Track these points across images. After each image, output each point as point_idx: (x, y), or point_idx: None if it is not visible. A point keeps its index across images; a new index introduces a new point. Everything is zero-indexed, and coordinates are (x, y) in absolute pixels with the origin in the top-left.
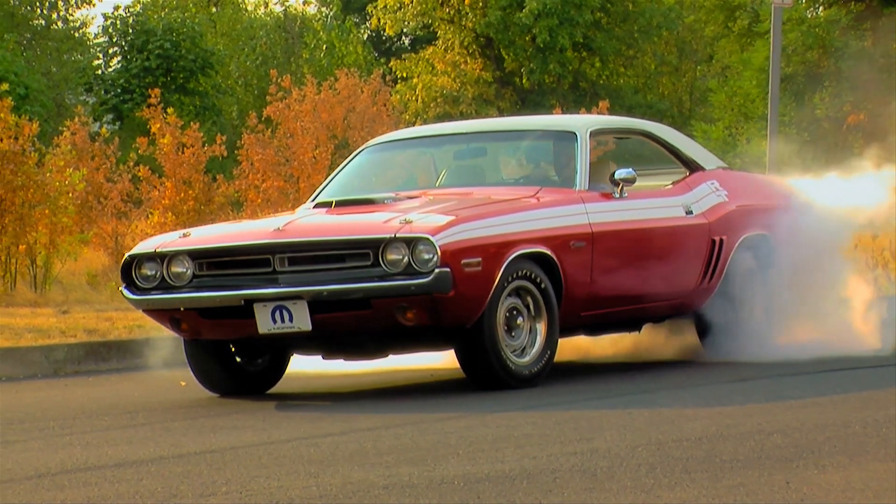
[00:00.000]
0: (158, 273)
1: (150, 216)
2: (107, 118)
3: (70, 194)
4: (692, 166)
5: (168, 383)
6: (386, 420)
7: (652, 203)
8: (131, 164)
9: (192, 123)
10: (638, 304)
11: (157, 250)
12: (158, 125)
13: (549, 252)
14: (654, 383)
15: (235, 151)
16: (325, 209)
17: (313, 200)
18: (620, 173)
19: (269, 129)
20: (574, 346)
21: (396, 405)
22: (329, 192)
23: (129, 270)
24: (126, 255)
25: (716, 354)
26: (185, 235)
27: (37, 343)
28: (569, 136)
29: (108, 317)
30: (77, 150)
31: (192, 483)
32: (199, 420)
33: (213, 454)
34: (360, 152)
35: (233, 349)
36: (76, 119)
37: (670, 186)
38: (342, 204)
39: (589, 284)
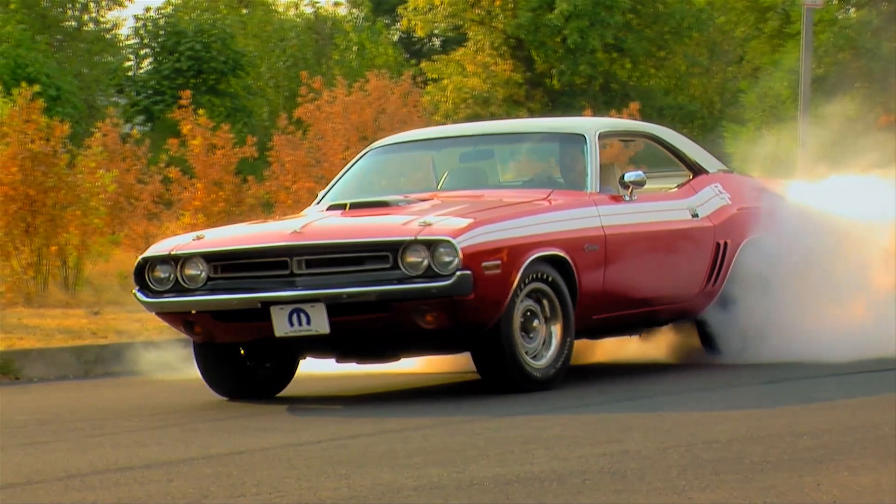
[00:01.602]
0: (172, 276)
1: (180, 217)
2: (138, 119)
3: (101, 196)
4: (695, 169)
5: (197, 385)
6: (415, 421)
7: (660, 206)
8: (162, 165)
9: (222, 125)
10: (647, 307)
11: (172, 253)
12: (189, 126)
13: (564, 255)
14: (682, 385)
15: (266, 153)
16: (339, 211)
17: (318, 203)
18: (630, 176)
19: (300, 131)
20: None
21: (424, 407)
22: (335, 194)
23: (143, 273)
24: (139, 257)
25: (717, 357)
26: (198, 238)
27: (67, 344)
28: (577, 139)
29: (138, 318)
30: (108, 152)
31: (221, 484)
32: (228, 421)
33: (243, 455)
34: (364, 154)
35: (242, 352)
36: (107, 120)
37: (675, 189)
38: (356, 206)
39: (601, 287)
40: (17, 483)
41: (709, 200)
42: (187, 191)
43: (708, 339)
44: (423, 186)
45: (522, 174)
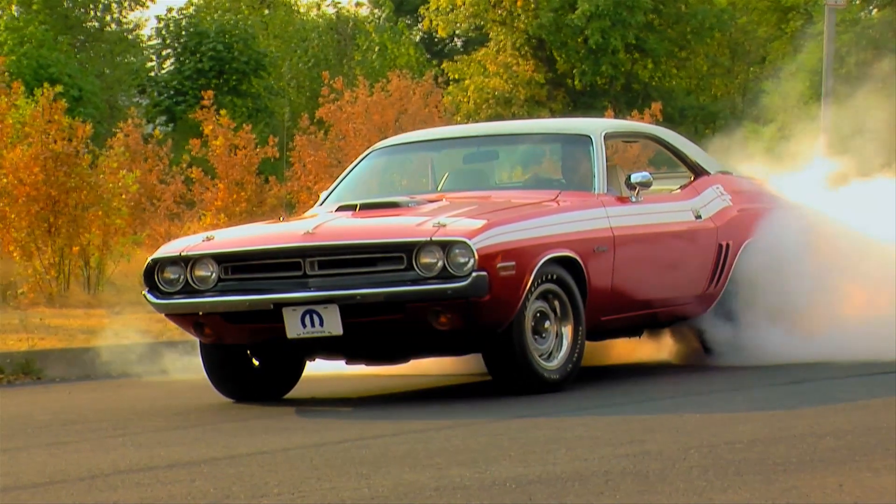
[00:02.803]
0: (182, 277)
1: (202, 218)
2: (160, 120)
3: (123, 196)
4: (696, 170)
5: None
6: (437, 422)
7: (665, 207)
8: (184, 165)
9: (244, 125)
10: (652, 308)
11: (182, 254)
12: (211, 127)
13: (576, 256)
14: (703, 386)
15: (287, 153)
16: (349, 212)
17: (322, 204)
18: (636, 177)
19: (321, 131)
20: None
21: (446, 408)
22: (338, 195)
23: (152, 274)
24: (149, 258)
25: (718, 359)
26: (208, 239)
27: (89, 344)
28: (583, 140)
29: (160, 318)
30: (130, 152)
31: (244, 484)
32: (250, 421)
33: (265, 455)
34: (366, 155)
35: (249, 353)
36: (129, 121)
37: (678, 191)
38: (367, 207)
39: (610, 289)
40: (41, 483)
41: (711, 202)
42: (209, 191)
43: (707, 341)
44: (429, 188)
45: (529, 175)
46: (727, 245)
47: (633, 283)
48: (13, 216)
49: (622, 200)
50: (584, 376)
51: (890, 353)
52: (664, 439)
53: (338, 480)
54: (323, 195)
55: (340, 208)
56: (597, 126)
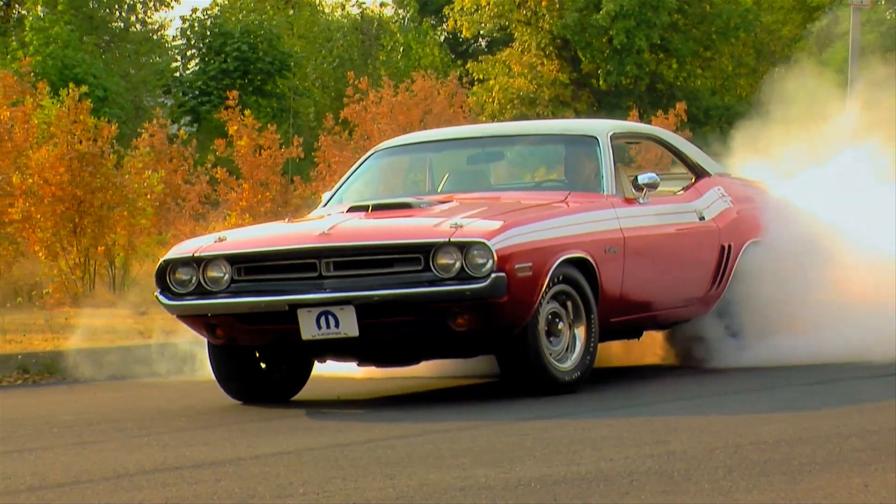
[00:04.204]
0: (194, 278)
1: (227, 218)
2: (184, 120)
3: (148, 196)
4: (697, 171)
5: None
6: (461, 422)
7: (670, 209)
8: (209, 165)
9: (269, 125)
10: (658, 309)
11: (194, 255)
12: (236, 127)
13: (589, 257)
14: (728, 386)
15: (312, 153)
16: (361, 213)
17: (325, 205)
18: (644, 178)
19: (346, 131)
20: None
21: (470, 408)
22: (341, 196)
23: (164, 275)
24: (161, 259)
25: (717, 361)
26: (220, 240)
27: (115, 344)
28: (590, 141)
29: None
30: (155, 152)
31: (269, 484)
32: (274, 421)
33: (290, 455)
34: (369, 156)
35: (257, 355)
36: (154, 121)
37: (682, 192)
38: (379, 208)
39: (620, 290)
40: (66, 483)
41: (713, 203)
42: (234, 191)
43: (706, 343)
44: (435, 189)
45: (532, 176)
46: (729, 247)
47: (641, 284)
48: (39, 216)
49: (629, 202)
50: (601, 377)
51: (891, 353)
52: (689, 439)
53: (362, 480)
54: (325, 196)
55: (352, 209)
56: (603, 127)
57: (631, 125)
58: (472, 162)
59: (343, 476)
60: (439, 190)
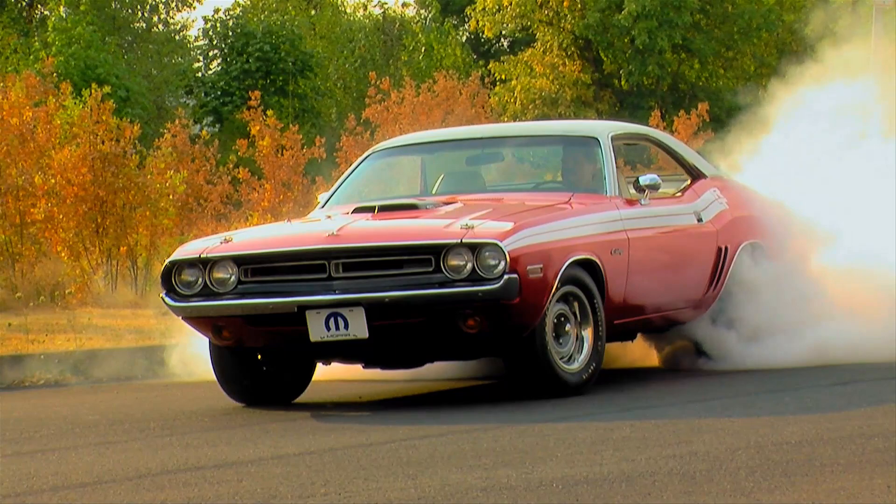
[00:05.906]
0: (200, 279)
1: (249, 218)
2: (207, 120)
3: (170, 196)
4: (694, 173)
5: None
6: (483, 422)
7: (671, 210)
8: (231, 166)
9: (291, 126)
10: (659, 311)
11: (202, 256)
12: (258, 127)
13: (596, 259)
14: (750, 387)
15: (334, 153)
16: (367, 214)
17: (323, 206)
18: (645, 179)
19: (368, 132)
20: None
21: (492, 409)
22: (339, 197)
23: (170, 276)
24: (167, 260)
25: (710, 364)
26: (226, 240)
27: (137, 344)
28: (591, 142)
29: None
30: (177, 153)
31: (291, 484)
32: (297, 421)
33: (312, 455)
34: (366, 157)
35: (259, 357)
36: (176, 121)
37: (680, 194)
38: (385, 209)
39: (623, 292)
40: (89, 482)
41: (710, 205)
42: (256, 192)
43: (702, 345)
44: (432, 190)
45: (533, 177)
46: (725, 248)
47: (644, 285)
48: (61, 216)
49: (631, 203)
50: (610, 379)
51: (889, 355)
52: (711, 440)
53: (384, 481)
54: (322, 197)
55: (357, 210)
56: (603, 128)
57: (628, 126)
58: (470, 163)
59: (365, 476)
60: (433, 192)
